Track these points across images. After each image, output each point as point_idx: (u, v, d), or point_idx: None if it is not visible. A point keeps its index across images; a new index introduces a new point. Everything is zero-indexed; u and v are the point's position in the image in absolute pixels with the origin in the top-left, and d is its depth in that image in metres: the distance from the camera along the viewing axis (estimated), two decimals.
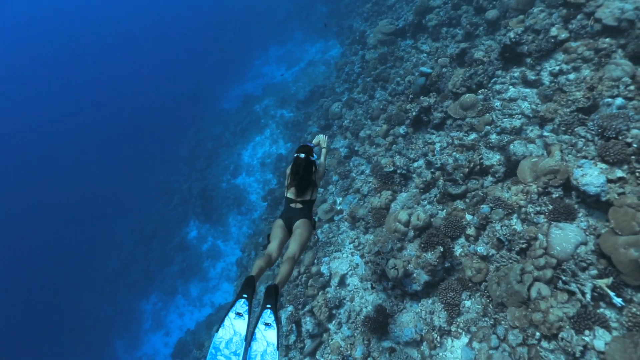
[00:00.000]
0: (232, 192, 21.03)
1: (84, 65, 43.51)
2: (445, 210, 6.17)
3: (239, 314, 2.22)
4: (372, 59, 11.43)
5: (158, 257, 20.90)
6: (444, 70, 8.19)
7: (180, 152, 27.09)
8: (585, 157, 4.61)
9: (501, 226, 5.08)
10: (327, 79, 17.38)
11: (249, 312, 2.28)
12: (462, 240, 5.65)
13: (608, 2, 5.71)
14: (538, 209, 4.76)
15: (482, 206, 5.53)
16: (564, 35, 6.04)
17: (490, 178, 5.88)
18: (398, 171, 7.42)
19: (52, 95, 42.27)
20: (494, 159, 6.14)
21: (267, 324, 2.21)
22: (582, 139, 4.86)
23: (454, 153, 6.78)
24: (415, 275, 5.23)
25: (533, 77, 6.40)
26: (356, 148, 9.59)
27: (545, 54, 6.21)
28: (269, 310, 2.28)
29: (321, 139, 3.88)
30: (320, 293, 6.75)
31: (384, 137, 8.78)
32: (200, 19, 40.22)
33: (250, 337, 2.19)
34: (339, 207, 8.73)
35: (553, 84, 5.87)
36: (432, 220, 5.92)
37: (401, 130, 8.20)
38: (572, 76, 5.76)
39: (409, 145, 7.95)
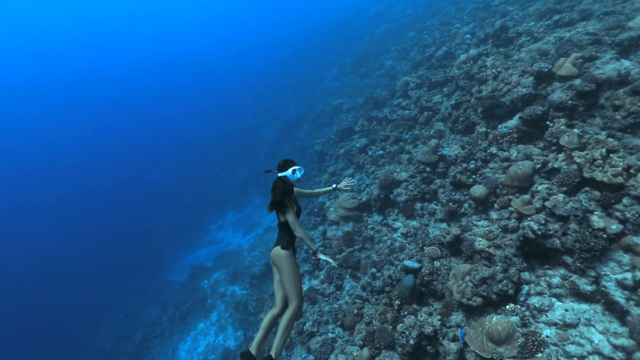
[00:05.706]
0: None
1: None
2: None
3: None
4: (335, 238, 9.27)
5: None
6: (437, 264, 5.89)
7: (102, 343, 21.28)
8: None
9: None
10: None
11: None
12: None
13: None
14: None
15: None
16: (614, 227, 4.10)
17: None
18: None
19: None
20: None
21: None
22: None
23: None
24: None
25: (589, 288, 4.09)
26: None
27: (598, 254, 4.10)
28: None
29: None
30: None
31: None
32: (157, 184, 39.86)
33: None
34: None
35: None
36: None
37: None
38: None
39: None
